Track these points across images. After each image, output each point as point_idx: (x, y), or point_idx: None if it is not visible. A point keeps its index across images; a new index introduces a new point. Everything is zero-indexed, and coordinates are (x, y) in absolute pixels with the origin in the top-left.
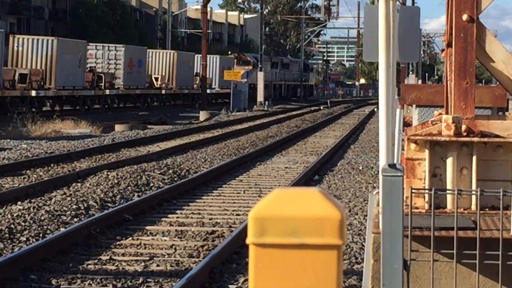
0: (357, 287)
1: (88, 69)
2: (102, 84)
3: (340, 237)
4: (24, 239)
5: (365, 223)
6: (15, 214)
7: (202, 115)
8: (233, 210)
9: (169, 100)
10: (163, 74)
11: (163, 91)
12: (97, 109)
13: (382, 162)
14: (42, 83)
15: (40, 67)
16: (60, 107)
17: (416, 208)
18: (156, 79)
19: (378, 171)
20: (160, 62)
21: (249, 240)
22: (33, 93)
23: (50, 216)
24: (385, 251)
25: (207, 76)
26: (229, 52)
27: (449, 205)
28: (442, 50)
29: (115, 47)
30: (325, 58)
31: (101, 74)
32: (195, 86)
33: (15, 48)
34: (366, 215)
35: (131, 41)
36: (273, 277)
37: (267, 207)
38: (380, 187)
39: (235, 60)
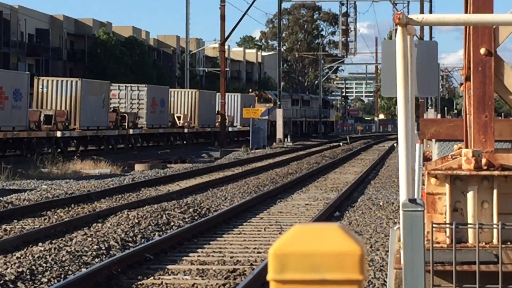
0: None
1: (112, 109)
2: (126, 124)
3: (361, 272)
4: (46, 280)
5: (387, 259)
6: (36, 256)
7: (221, 153)
8: (254, 248)
9: (192, 138)
10: (185, 113)
11: (186, 130)
12: (121, 148)
13: (403, 197)
14: (67, 124)
15: (64, 108)
16: (84, 147)
17: (438, 243)
18: (179, 118)
19: (399, 207)
20: (182, 101)
21: (269, 276)
22: (59, 133)
23: (71, 256)
24: (407, 286)
25: (229, 114)
26: (250, 90)
27: (470, 239)
28: (461, 84)
29: (138, 87)
30: (343, 94)
31: (125, 114)
32: (217, 124)
33: (40, 89)
34: (387, 251)
35: (150, 80)
36: None
37: (287, 243)
38: (401, 222)
39: (256, 98)
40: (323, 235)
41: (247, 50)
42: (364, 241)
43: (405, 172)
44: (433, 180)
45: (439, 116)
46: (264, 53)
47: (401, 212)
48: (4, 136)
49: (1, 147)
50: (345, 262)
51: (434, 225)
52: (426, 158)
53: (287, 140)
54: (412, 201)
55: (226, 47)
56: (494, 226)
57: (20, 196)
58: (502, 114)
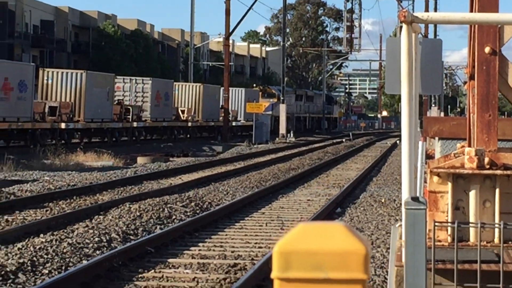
0: None
1: (116, 102)
2: (130, 117)
3: (365, 271)
4: (47, 271)
5: (388, 256)
6: (37, 247)
7: (223, 148)
8: (255, 243)
9: (195, 132)
10: (189, 106)
11: (189, 124)
12: (125, 141)
13: (405, 195)
14: (71, 116)
15: (69, 100)
16: (88, 139)
17: (439, 241)
18: (183, 111)
19: (401, 204)
20: (186, 95)
21: (273, 274)
22: (63, 125)
23: (72, 248)
24: (408, 284)
25: (233, 108)
26: (254, 85)
27: (472, 238)
28: (465, 83)
29: (142, 80)
30: (347, 90)
31: (129, 107)
32: (221, 118)
33: (45, 81)
34: (388, 248)
35: (154, 73)
36: None
37: (291, 241)
38: (403, 220)
39: (260, 93)
40: (327, 233)
41: (251, 45)
42: (367, 239)
43: (407, 170)
44: (435, 178)
45: (442, 114)
46: (268, 48)
47: (403, 209)
48: (8, 127)
49: (5, 138)
50: (349, 261)
51: (436, 224)
52: (429, 156)
53: (290, 135)
54: (415, 199)
55: (231, 41)
56: (496, 225)
57: (23, 187)
58: (506, 113)
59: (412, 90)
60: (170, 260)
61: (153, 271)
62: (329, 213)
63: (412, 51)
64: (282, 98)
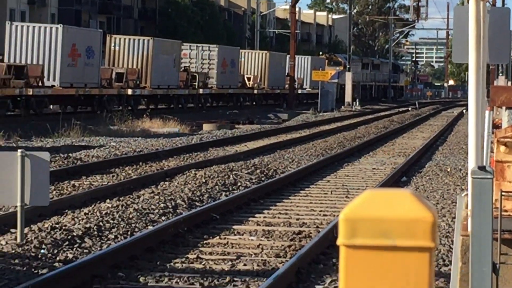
0: None
1: (182, 68)
2: (196, 84)
3: (433, 239)
4: (113, 236)
5: (453, 225)
6: (103, 212)
7: (289, 115)
8: (320, 211)
9: (261, 100)
10: (255, 74)
11: (255, 91)
12: (191, 108)
13: (471, 164)
14: (138, 82)
15: (136, 67)
16: (154, 106)
17: (506, 211)
18: (249, 79)
19: (467, 173)
20: (252, 63)
21: (339, 241)
22: (129, 91)
23: (138, 214)
24: (474, 254)
25: (299, 76)
26: (320, 53)
27: None
28: None
29: (209, 47)
30: (413, 59)
31: (195, 74)
32: (286, 86)
33: (112, 47)
34: (454, 217)
35: (220, 41)
36: (363, 278)
37: (358, 208)
38: (469, 189)
39: (326, 61)
40: (394, 201)
41: (317, 13)
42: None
43: (474, 139)
44: (502, 147)
45: (509, 83)
46: (335, 16)
47: (469, 179)
48: (76, 92)
49: (72, 104)
50: (416, 229)
51: (503, 193)
52: (496, 126)
53: (356, 103)
54: (481, 168)
55: (297, 9)
56: None
57: (89, 153)
58: None
59: (479, 59)
60: (235, 226)
61: (218, 237)
62: (395, 181)
63: (480, 20)
64: (348, 66)
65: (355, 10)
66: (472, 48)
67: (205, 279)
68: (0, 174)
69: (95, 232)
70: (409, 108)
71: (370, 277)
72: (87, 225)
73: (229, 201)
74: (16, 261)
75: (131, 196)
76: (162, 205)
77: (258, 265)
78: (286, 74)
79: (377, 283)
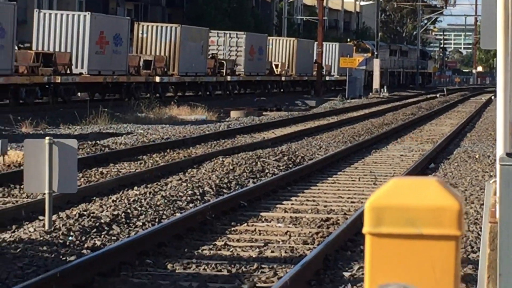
0: (473, 277)
1: (210, 56)
2: (224, 71)
3: (459, 228)
4: (140, 223)
5: (482, 212)
6: (131, 199)
7: (317, 102)
8: (348, 198)
9: (288, 86)
10: (283, 61)
11: (283, 78)
12: (218, 95)
13: (500, 151)
14: (165, 69)
15: (164, 54)
16: (182, 93)
17: None
18: (276, 66)
19: (495, 160)
20: (280, 49)
21: (365, 229)
22: (157, 79)
23: (166, 201)
24: (502, 241)
25: (326, 63)
26: (348, 39)
27: None
28: None
29: (236, 34)
30: (441, 45)
31: (223, 61)
32: (314, 73)
33: (140, 35)
34: (482, 204)
35: (247, 28)
36: (389, 266)
37: (384, 196)
38: (498, 176)
39: (354, 48)
40: (420, 189)
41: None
42: (461, 195)
43: (503, 126)
44: None
45: None
46: (362, 3)
47: (497, 166)
48: (104, 80)
49: (100, 91)
50: (442, 217)
51: None
52: None
53: (384, 90)
54: (510, 155)
55: None
56: None
57: (117, 140)
58: None
59: (508, 45)
60: (262, 213)
61: (245, 224)
62: (423, 168)
63: (509, 6)
64: (376, 53)
65: None
66: (501, 34)
67: (232, 266)
68: (28, 162)
69: (123, 219)
70: (437, 95)
71: (396, 266)
72: (115, 212)
73: (256, 188)
74: (44, 248)
75: (159, 183)
76: (189, 192)
77: (285, 252)
78: (314, 61)
79: (402, 272)
